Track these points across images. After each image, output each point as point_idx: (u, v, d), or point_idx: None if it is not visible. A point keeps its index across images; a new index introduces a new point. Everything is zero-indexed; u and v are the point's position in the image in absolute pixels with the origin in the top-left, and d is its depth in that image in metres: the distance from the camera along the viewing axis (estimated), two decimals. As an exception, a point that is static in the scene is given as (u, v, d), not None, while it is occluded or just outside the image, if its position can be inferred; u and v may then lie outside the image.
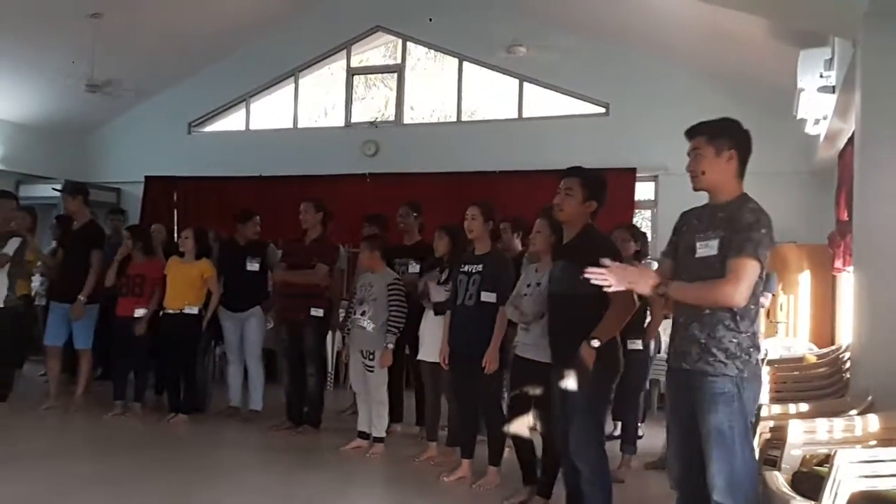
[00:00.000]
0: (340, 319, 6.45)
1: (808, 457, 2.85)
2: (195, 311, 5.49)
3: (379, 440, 4.80)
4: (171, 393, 5.62)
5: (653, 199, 7.78)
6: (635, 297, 3.03)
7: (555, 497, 3.71)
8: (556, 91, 8.25)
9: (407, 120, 9.02)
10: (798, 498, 2.52)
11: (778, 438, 3.03)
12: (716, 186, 2.61)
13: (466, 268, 4.23)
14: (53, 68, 8.08)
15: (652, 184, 7.73)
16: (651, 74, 7.68)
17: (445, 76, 8.98)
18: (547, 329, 3.66)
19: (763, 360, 5.15)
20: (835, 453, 2.41)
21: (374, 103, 9.61)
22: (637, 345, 4.24)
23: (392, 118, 9.06)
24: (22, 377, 6.13)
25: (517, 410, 3.84)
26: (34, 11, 7.24)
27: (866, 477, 2.40)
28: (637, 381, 4.40)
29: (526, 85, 8.36)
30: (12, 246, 5.63)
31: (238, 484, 4.19)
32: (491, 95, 8.75)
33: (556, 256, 3.36)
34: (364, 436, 4.86)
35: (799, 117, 5.53)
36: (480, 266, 4.18)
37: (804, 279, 6.61)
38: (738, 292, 2.42)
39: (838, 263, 5.39)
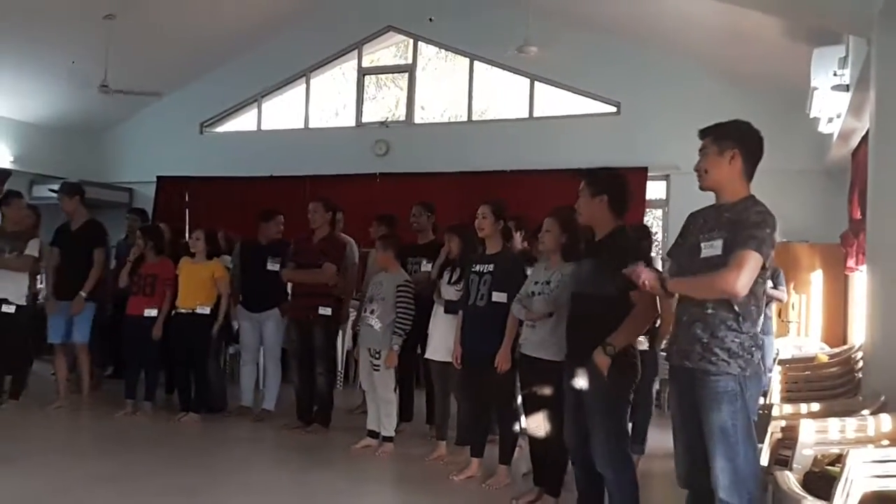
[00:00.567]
0: (353, 318, 6.53)
1: (819, 457, 2.83)
2: (207, 310, 5.52)
3: (388, 439, 4.80)
4: (182, 392, 5.65)
5: (664, 198, 7.75)
6: (658, 302, 3.01)
7: (564, 496, 3.71)
8: (568, 90, 8.24)
9: (418, 120, 9.03)
10: (809, 498, 2.50)
11: (789, 438, 3.01)
12: (719, 185, 2.63)
13: (478, 268, 4.23)
14: (67, 69, 8.16)
15: (663, 183, 7.70)
16: (663, 73, 7.65)
17: (456, 76, 8.99)
18: (554, 327, 3.67)
19: (775, 359, 5.15)
20: (847, 453, 2.40)
21: (384, 103, 9.64)
22: (643, 345, 4.21)
23: (403, 118, 9.08)
24: (33, 374, 6.16)
25: (530, 409, 3.83)
26: (48, 13, 7.30)
27: (878, 477, 2.38)
28: (646, 381, 4.38)
29: (537, 84, 8.35)
30: (34, 247, 5.69)
31: (248, 483, 4.20)
32: (502, 95, 8.75)
33: (585, 256, 3.31)
34: (373, 435, 4.86)
35: (812, 116, 5.50)
36: (491, 266, 4.17)
37: (816, 278, 6.56)
38: (738, 281, 2.41)
39: (851, 263, 5.36)
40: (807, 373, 4.69)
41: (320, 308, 5.26)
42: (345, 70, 9.48)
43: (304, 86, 9.43)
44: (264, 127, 9.62)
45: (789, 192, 6.51)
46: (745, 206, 2.55)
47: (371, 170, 8.65)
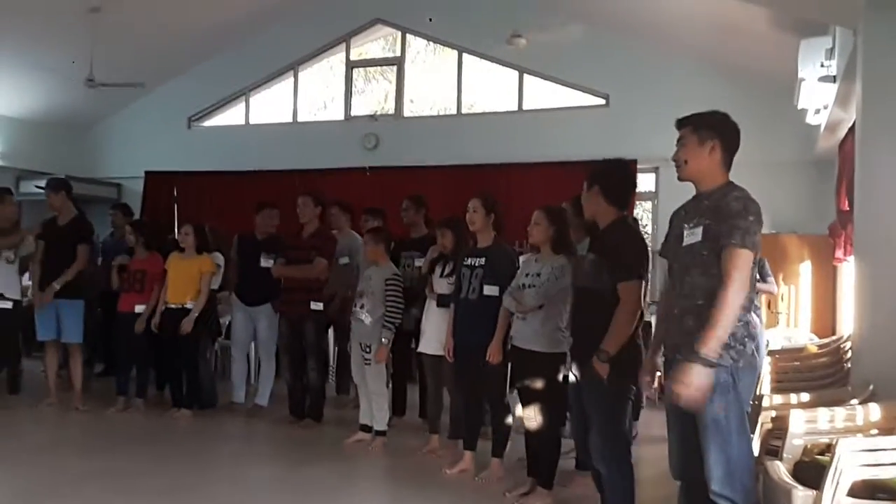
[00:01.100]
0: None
1: (809, 446, 2.85)
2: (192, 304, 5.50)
3: (381, 433, 4.81)
4: (174, 388, 5.63)
5: (653, 190, 7.77)
6: (643, 297, 3.01)
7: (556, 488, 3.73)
8: (557, 83, 8.23)
9: (407, 113, 9.00)
10: (800, 487, 2.53)
11: (779, 428, 3.03)
12: (699, 176, 2.64)
13: (469, 261, 4.23)
14: (53, 63, 8.09)
15: (653, 175, 7.72)
16: (652, 65, 7.67)
17: (445, 69, 8.97)
18: (544, 319, 3.69)
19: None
20: (836, 442, 2.42)
21: (373, 96, 9.60)
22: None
23: (392, 111, 9.05)
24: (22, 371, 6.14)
25: (523, 401, 3.84)
26: (33, 6, 7.22)
27: (867, 466, 2.40)
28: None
29: (526, 77, 8.34)
30: (30, 246, 5.67)
31: (241, 477, 4.20)
32: (491, 88, 8.73)
33: (589, 249, 3.29)
34: (366, 429, 4.87)
35: (800, 107, 5.52)
36: (483, 259, 4.18)
37: (805, 269, 6.61)
38: (739, 288, 2.42)
39: (839, 253, 5.40)
40: (796, 363, 4.73)
41: (312, 303, 5.25)
42: (333, 63, 9.43)
43: (292, 79, 9.38)
44: (252, 121, 9.56)
45: (777, 183, 6.55)
46: (723, 192, 2.56)
47: (360, 163, 8.62)
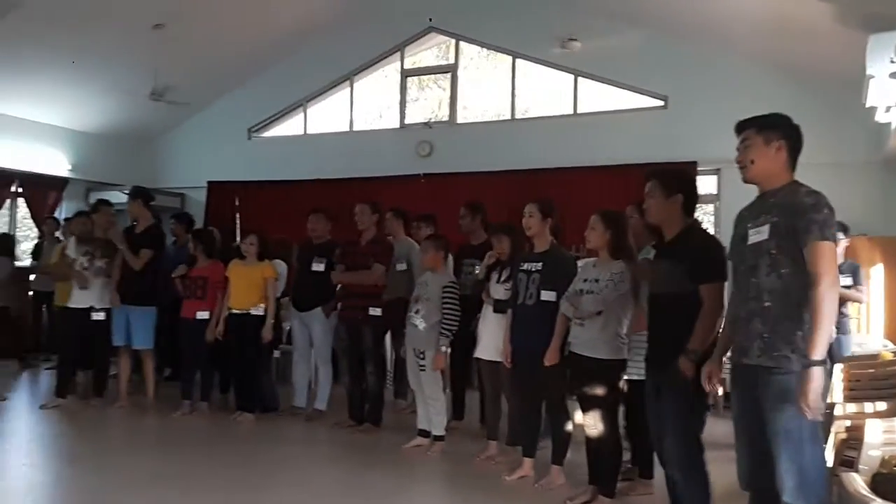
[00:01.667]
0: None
1: (886, 457, 2.74)
2: (261, 311, 5.63)
3: (439, 438, 4.82)
4: (238, 392, 5.77)
5: (715, 192, 7.59)
6: (724, 297, 2.93)
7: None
8: (613, 85, 8.13)
9: (461, 119, 9.04)
10: (878, 500, 2.42)
11: (854, 438, 2.92)
12: (765, 176, 2.59)
13: (526, 266, 4.20)
14: (120, 79, 8.41)
15: (714, 177, 7.55)
16: (711, 65, 7.51)
17: (499, 74, 8.96)
18: (604, 325, 3.64)
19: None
20: (917, 454, 2.32)
21: (427, 104, 9.66)
22: None
23: (446, 118, 9.09)
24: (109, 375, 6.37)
25: (584, 408, 3.79)
26: (101, 25, 7.53)
27: (951, 478, 2.29)
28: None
29: (581, 80, 8.27)
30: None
31: (302, 480, 4.27)
32: (545, 92, 8.69)
33: (658, 256, 3.24)
34: (424, 434, 4.88)
35: (868, 105, 5.32)
36: (540, 264, 4.15)
37: (877, 273, 6.34)
38: (832, 282, 2.36)
39: (914, 256, 5.17)
40: (870, 371, 4.54)
41: (370, 309, 5.31)
42: (387, 72, 9.54)
43: (348, 89, 9.53)
44: (310, 131, 9.75)
45: (847, 184, 6.30)
46: (790, 189, 2.53)
47: (415, 171, 8.69)
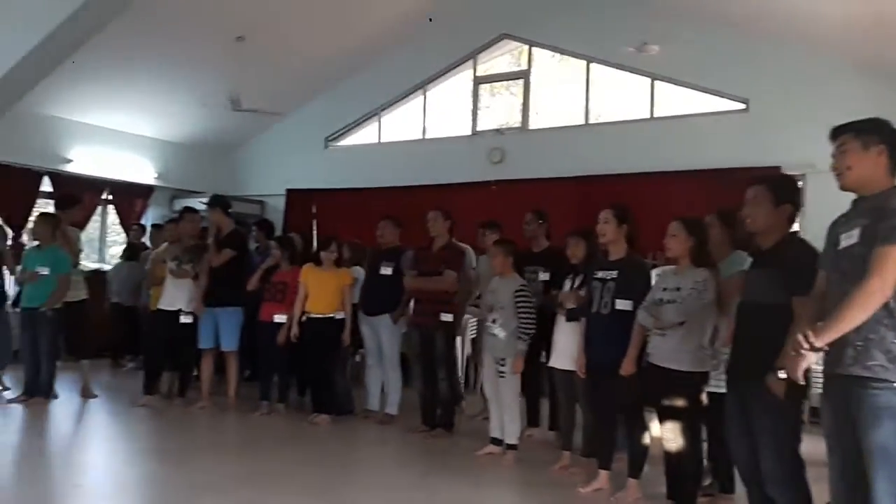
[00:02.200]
0: (471, 323, 6.61)
1: None
2: (341, 315, 5.75)
3: (512, 447, 4.79)
4: (315, 394, 5.89)
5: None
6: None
7: None
8: (692, 88, 7.92)
9: (533, 125, 8.99)
10: None
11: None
12: (863, 183, 2.48)
13: (600, 274, 4.13)
14: (203, 90, 8.75)
15: (798, 183, 7.25)
16: (795, 67, 7.22)
17: (572, 79, 8.88)
18: (685, 336, 3.54)
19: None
20: None
21: (499, 111, 9.66)
22: None
23: (518, 124, 9.07)
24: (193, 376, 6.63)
25: (663, 421, 3.69)
26: (185, 39, 7.86)
27: None
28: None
29: (657, 83, 8.11)
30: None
31: (375, 483, 4.33)
32: (620, 96, 8.54)
33: (755, 265, 3.10)
34: (497, 442, 4.86)
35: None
36: (615, 272, 4.07)
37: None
38: (882, 284, 2.25)
39: None
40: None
41: (442, 315, 5.35)
42: (460, 80, 9.59)
43: (421, 98, 9.63)
44: (384, 139, 9.90)
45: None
46: (888, 194, 2.42)
47: (487, 177, 8.69)
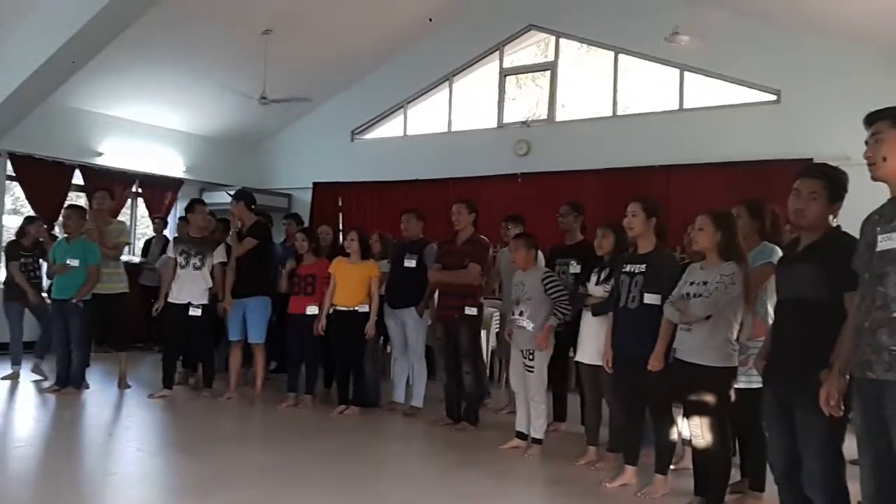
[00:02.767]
0: (495, 317, 6.59)
1: None
2: (367, 308, 5.75)
3: (537, 441, 4.77)
4: (341, 386, 5.92)
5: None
6: None
7: None
8: (721, 79, 7.81)
9: (559, 117, 8.92)
10: None
11: None
12: None
13: (628, 268, 4.08)
14: (231, 83, 8.82)
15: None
16: (827, 57, 7.09)
17: (599, 70, 8.79)
18: (712, 331, 3.48)
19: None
20: None
21: (525, 103, 9.60)
22: None
23: (544, 117, 9.00)
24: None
25: (691, 417, 3.64)
26: (214, 33, 7.93)
27: None
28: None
29: (687, 74, 7.99)
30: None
31: (401, 476, 4.33)
32: (649, 87, 8.44)
33: (796, 260, 2.94)
34: (522, 436, 4.84)
35: None
36: (643, 266, 4.01)
37: None
38: None
39: None
40: None
41: (466, 308, 5.33)
42: (486, 72, 9.54)
43: (447, 90, 9.60)
44: (410, 132, 9.90)
45: None
46: None
47: (513, 170, 8.66)
